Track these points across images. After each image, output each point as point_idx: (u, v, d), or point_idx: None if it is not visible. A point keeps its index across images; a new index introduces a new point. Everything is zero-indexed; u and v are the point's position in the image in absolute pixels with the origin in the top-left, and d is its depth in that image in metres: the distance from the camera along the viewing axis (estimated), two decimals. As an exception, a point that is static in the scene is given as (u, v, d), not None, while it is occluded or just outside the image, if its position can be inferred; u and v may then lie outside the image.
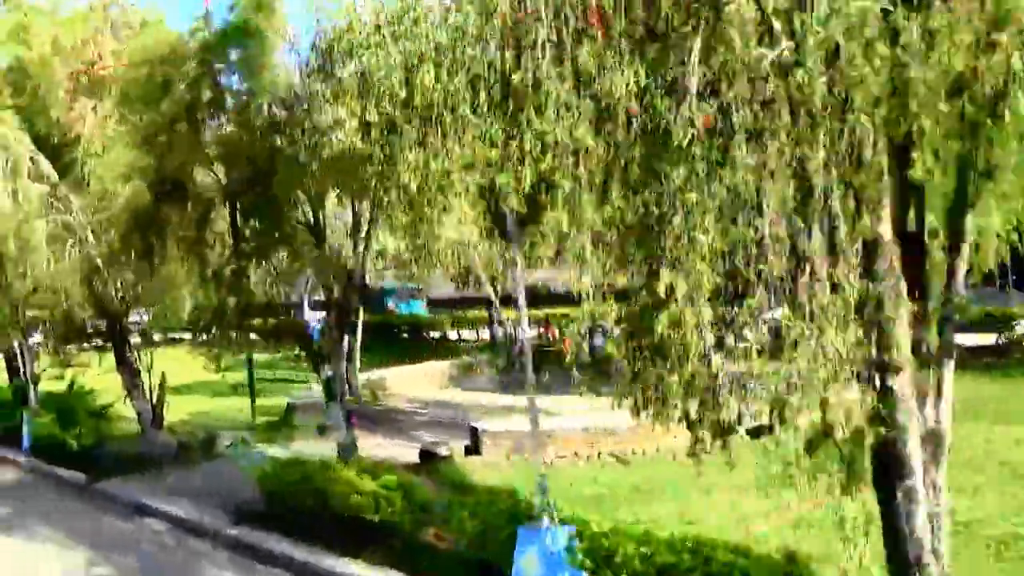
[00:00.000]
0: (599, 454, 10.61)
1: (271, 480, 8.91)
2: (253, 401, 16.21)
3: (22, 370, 16.75)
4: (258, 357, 30.30)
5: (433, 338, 30.84)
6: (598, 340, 17.33)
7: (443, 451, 10.53)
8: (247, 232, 8.77)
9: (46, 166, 11.60)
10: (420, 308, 35.46)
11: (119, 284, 12.10)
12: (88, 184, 11.49)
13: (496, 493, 8.72)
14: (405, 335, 30.72)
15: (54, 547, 9.34)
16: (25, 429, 14.32)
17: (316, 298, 38.55)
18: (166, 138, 8.66)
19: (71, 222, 11.59)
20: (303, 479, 8.43)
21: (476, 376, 20.29)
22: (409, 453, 11.41)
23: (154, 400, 13.02)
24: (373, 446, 12.61)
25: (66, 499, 11.57)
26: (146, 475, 11.64)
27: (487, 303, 23.38)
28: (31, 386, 14.50)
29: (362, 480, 7.89)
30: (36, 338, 18.41)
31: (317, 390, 17.00)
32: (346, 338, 13.76)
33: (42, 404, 13.94)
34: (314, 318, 37.18)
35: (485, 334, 28.74)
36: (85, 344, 14.29)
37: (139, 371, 12.84)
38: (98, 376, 14.58)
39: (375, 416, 14.24)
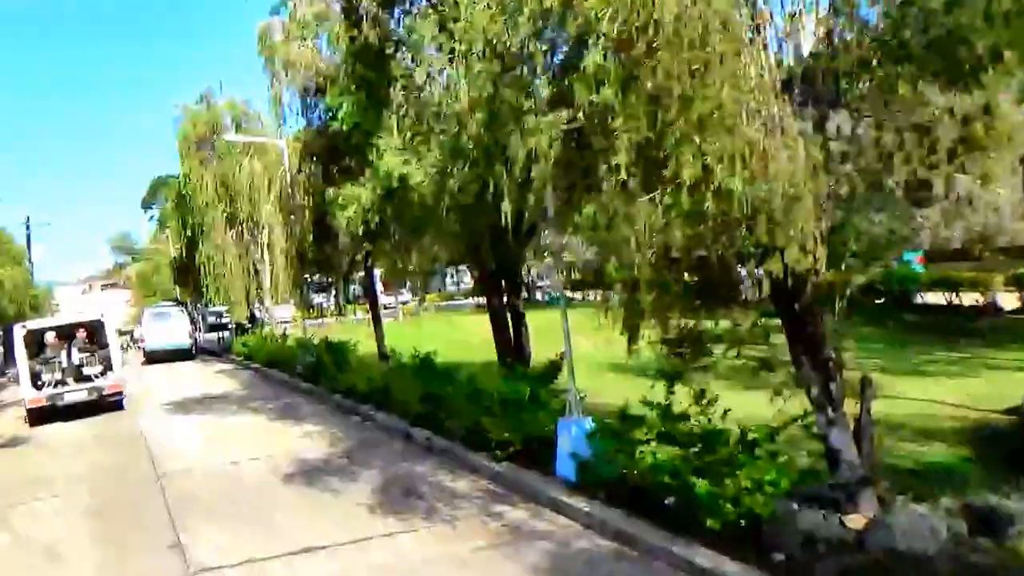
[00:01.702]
0: None
1: None
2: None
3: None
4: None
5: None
6: None
7: None
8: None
9: None
10: (914, 263, 24.47)
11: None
12: None
13: None
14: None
15: None
16: (564, 447, 8.81)
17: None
18: None
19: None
20: None
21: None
22: None
23: (854, 428, 6.57)
24: None
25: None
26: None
27: None
28: (570, 376, 8.89)
29: None
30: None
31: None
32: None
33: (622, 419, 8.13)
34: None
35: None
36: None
37: (833, 371, 6.44)
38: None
39: None
